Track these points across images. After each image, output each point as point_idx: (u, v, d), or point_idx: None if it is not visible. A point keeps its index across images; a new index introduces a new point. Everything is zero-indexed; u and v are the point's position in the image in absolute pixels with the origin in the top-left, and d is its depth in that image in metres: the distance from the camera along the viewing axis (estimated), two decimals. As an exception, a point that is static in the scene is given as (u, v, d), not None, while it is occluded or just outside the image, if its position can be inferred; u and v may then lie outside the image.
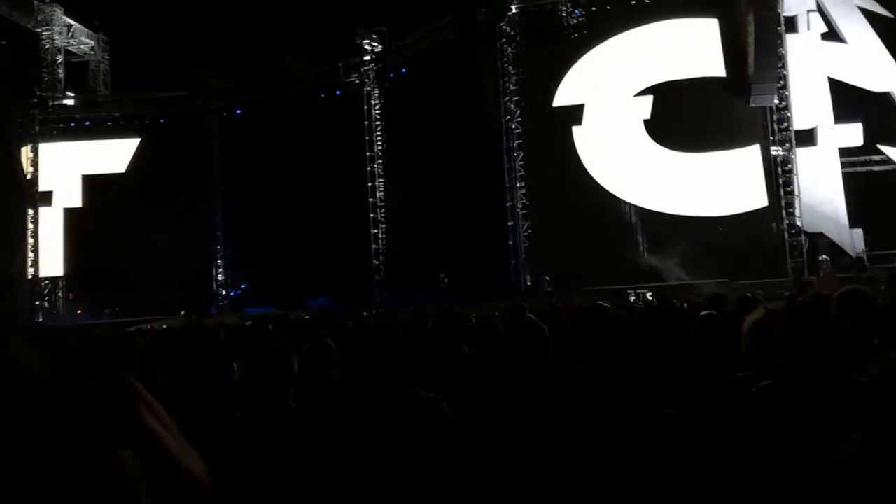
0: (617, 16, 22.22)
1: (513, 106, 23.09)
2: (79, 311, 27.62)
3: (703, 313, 4.68)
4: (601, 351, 2.66)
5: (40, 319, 27.03)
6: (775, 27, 19.62)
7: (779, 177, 20.74)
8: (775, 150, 20.83)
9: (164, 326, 11.52)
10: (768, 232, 20.85)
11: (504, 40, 23.27)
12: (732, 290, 11.77)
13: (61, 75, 30.35)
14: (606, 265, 20.66)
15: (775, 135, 20.86)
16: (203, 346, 5.65)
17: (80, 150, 28.78)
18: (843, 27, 20.36)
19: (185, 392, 3.27)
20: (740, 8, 20.73)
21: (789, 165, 20.67)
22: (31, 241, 28.54)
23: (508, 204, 23.03)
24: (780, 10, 19.93)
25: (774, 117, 20.87)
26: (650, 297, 13.91)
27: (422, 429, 2.53)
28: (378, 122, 26.81)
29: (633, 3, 21.99)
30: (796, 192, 20.53)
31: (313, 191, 25.31)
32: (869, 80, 20.11)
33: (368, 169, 26.44)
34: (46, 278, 29.08)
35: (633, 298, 13.97)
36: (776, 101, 20.59)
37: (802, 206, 20.48)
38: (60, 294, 29.26)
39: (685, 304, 7.21)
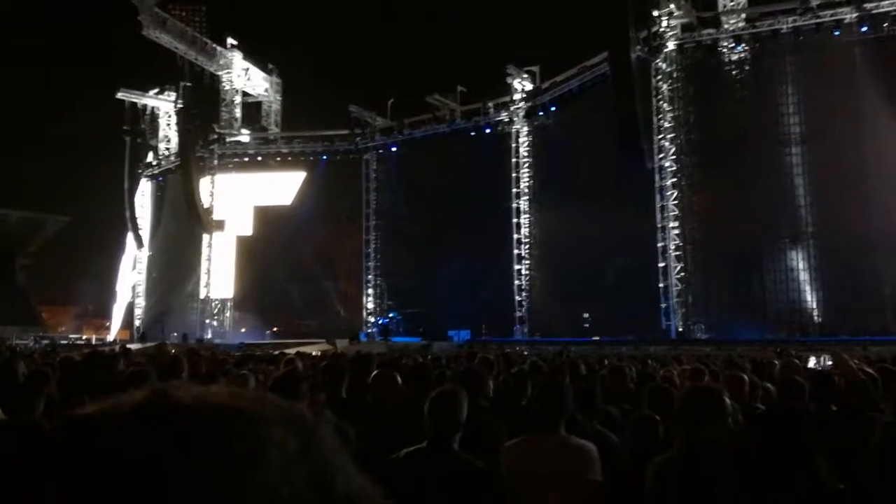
0: (784, 51, 21.07)
1: (667, 144, 22.31)
2: (243, 330, 29.81)
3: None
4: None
5: (209, 336, 29.44)
6: None
7: None
8: None
9: (315, 353, 11.93)
10: None
11: (659, 77, 22.65)
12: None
13: (238, 114, 33.34)
14: (766, 312, 19.41)
15: None
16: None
17: (252, 182, 31.50)
18: None
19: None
20: None
21: None
22: (205, 264, 31.45)
23: (660, 245, 22.08)
24: None
25: None
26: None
27: None
28: (525, 160, 26.99)
29: (800, 38, 20.74)
30: None
31: (460, 225, 25.89)
32: None
33: (514, 205, 26.59)
34: (217, 299, 31.75)
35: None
36: None
37: None
38: (228, 314, 31.81)
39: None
